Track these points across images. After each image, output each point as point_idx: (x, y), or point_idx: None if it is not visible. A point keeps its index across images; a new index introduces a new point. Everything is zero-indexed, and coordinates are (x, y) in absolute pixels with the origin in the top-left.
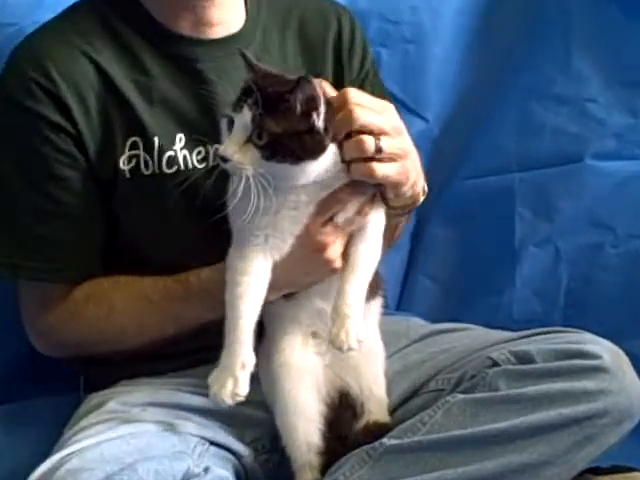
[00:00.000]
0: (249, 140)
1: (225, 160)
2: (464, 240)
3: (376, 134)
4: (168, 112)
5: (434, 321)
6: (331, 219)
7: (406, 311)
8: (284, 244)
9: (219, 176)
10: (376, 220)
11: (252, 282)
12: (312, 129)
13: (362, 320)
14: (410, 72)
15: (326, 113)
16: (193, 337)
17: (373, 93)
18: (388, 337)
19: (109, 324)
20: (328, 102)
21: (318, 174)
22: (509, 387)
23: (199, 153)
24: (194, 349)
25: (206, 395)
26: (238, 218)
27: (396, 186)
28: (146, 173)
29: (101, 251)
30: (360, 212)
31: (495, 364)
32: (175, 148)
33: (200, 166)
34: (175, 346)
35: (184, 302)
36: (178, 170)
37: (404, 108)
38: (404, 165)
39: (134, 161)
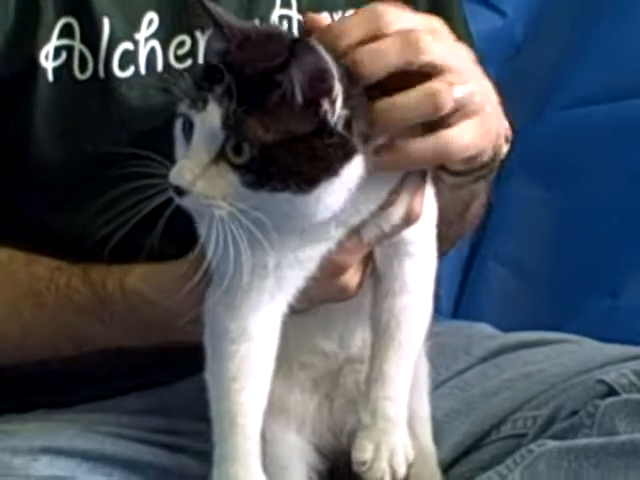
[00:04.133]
0: (220, 157)
1: (180, 192)
2: (563, 205)
3: (444, 75)
4: None
5: (510, 331)
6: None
7: (467, 316)
8: (303, 281)
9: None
10: (426, 224)
11: (255, 353)
12: (324, 128)
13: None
14: None
15: (348, 94)
16: (114, 356)
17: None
18: (438, 355)
19: None
20: (348, 70)
21: (349, 195)
22: (634, 429)
23: (181, 45)
24: (116, 373)
25: (131, 439)
26: (222, 268)
27: (476, 156)
28: (81, 77)
29: None
30: (407, 217)
31: (611, 391)
32: (138, 37)
33: (180, 66)
34: (87, 367)
35: (92, 317)
36: (137, 73)
37: None
38: (487, 118)
39: (63, 56)
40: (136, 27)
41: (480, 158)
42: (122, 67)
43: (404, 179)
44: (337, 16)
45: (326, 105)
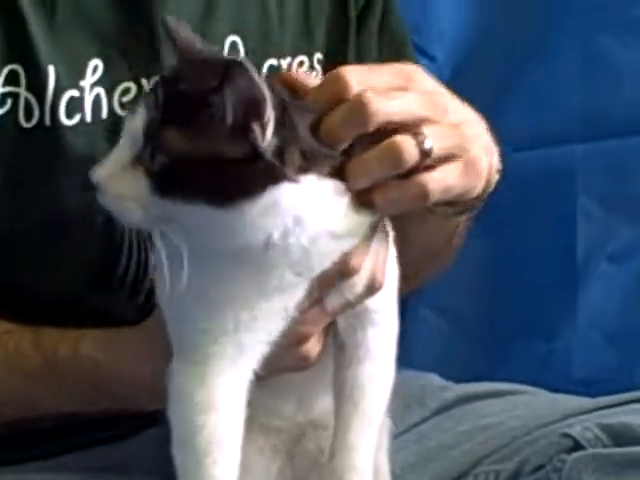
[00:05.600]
0: (138, 161)
1: (96, 188)
2: (495, 252)
3: (412, 126)
4: (77, 20)
5: (444, 378)
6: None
7: (400, 363)
8: (266, 347)
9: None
10: (388, 291)
11: (222, 423)
12: (255, 154)
13: None
14: None
15: (283, 120)
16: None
17: (392, 41)
18: (391, 406)
19: None
20: (287, 102)
21: (288, 226)
22: None
23: (126, 92)
24: (66, 428)
25: None
26: (172, 312)
27: (464, 194)
28: (26, 126)
29: None
30: (370, 286)
31: (577, 446)
32: (83, 84)
33: (125, 113)
34: (36, 423)
35: (41, 383)
36: (82, 121)
37: None
38: (473, 157)
39: (9, 103)
40: (81, 74)
41: (469, 194)
42: (68, 115)
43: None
44: (284, 62)
45: (257, 130)
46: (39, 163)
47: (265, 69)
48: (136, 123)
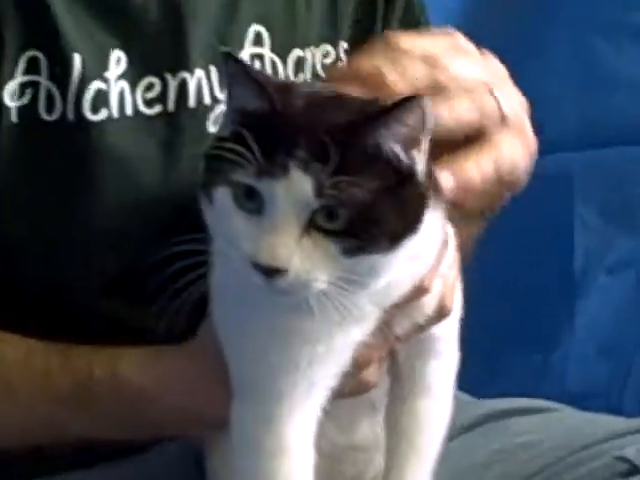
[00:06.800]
0: (310, 226)
1: (270, 273)
2: (491, 260)
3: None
4: (97, 7)
5: None
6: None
7: None
8: (334, 380)
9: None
10: (453, 321)
11: (295, 467)
12: (407, 177)
13: None
14: None
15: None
16: None
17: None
18: None
19: None
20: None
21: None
22: None
23: (150, 88)
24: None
25: None
26: (236, 347)
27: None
28: (48, 119)
29: None
30: (439, 310)
31: (635, 469)
32: (108, 75)
33: (149, 111)
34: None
35: (73, 409)
36: (109, 117)
37: None
38: (526, 126)
39: (29, 94)
40: (104, 64)
41: (517, 167)
42: (94, 109)
43: (435, 264)
44: (309, 52)
45: (415, 154)
46: (61, 160)
47: (291, 60)
48: (297, 187)
